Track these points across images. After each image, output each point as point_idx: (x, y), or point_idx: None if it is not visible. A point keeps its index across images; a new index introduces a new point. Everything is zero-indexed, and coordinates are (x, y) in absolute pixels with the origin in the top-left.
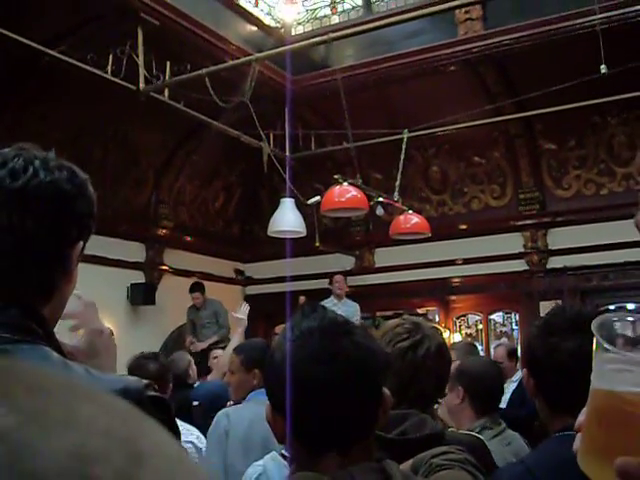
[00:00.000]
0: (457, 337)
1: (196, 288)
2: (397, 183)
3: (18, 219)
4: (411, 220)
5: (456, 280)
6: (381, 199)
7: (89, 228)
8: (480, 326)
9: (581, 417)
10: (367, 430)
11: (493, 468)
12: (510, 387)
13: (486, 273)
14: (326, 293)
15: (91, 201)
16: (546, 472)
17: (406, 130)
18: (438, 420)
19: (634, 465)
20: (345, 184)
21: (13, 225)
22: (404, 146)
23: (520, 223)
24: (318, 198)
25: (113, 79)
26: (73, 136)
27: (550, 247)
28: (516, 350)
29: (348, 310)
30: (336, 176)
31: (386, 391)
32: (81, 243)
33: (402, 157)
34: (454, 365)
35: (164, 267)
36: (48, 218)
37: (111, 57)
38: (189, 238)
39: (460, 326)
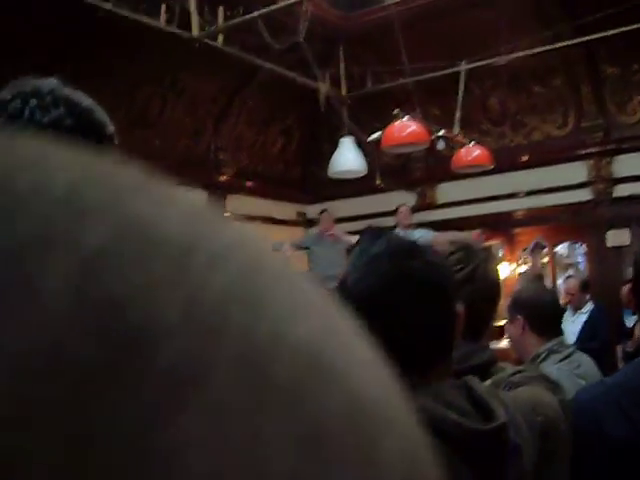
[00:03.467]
0: (523, 269)
1: None
2: (457, 116)
3: None
4: (473, 152)
5: (519, 213)
6: (441, 133)
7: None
8: (546, 258)
9: None
10: (446, 349)
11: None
12: (580, 319)
13: (550, 204)
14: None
15: (97, 127)
16: (628, 392)
17: (463, 62)
18: (489, 350)
19: None
20: (405, 119)
21: None
22: (462, 79)
23: (583, 152)
24: (378, 134)
25: (166, 28)
26: (130, 88)
27: (615, 175)
28: (587, 281)
29: (422, 236)
30: (395, 111)
31: (459, 306)
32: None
33: (460, 90)
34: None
35: (227, 214)
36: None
37: (163, 6)
38: (250, 183)
39: (526, 259)
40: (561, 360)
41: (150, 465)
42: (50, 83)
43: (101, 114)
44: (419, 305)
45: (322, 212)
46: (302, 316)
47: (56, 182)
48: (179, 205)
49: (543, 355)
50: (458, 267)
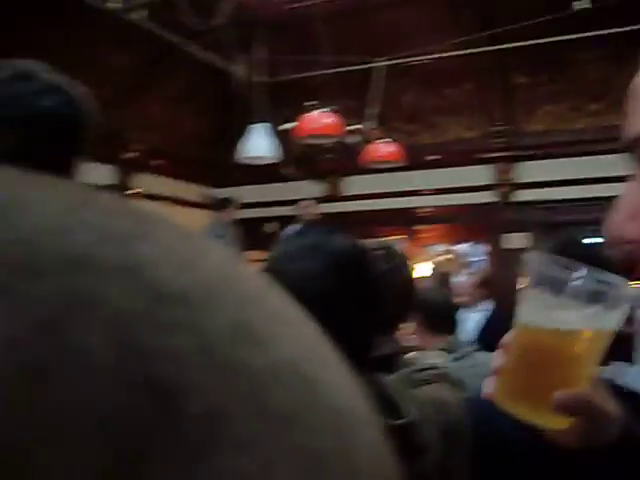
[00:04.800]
0: (423, 266)
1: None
2: (370, 111)
3: (12, 147)
4: (383, 148)
5: (424, 210)
6: (354, 127)
7: (86, 144)
8: (446, 256)
9: (498, 359)
10: (364, 341)
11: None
12: (475, 316)
13: (454, 204)
14: (296, 220)
15: (86, 115)
16: None
17: (382, 59)
18: (397, 342)
19: (571, 397)
20: (319, 111)
21: (13, 149)
22: (377, 75)
23: (490, 155)
24: (291, 124)
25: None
26: (40, 59)
27: (518, 180)
28: (485, 279)
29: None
30: (310, 102)
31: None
32: (82, 157)
33: (375, 86)
34: None
35: (134, 191)
36: (46, 142)
37: None
38: (158, 162)
39: (426, 256)
40: (457, 359)
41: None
42: (38, 67)
43: (88, 101)
44: (344, 293)
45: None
46: (278, 332)
47: (76, 243)
48: (175, 251)
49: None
50: (383, 261)
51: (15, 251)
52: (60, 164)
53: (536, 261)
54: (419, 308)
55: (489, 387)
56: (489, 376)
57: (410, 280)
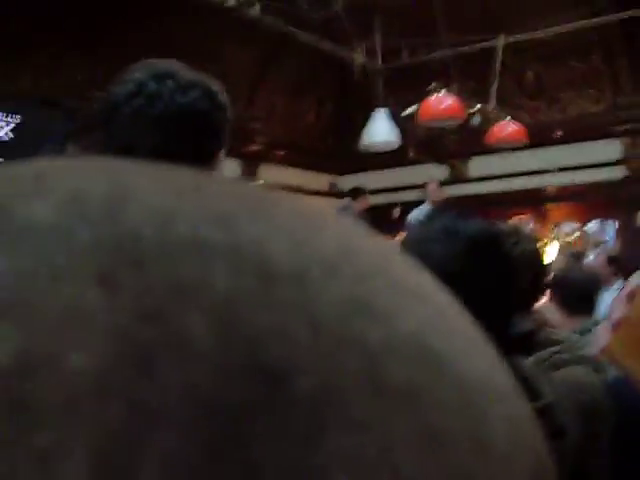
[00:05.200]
0: (554, 246)
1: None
2: (492, 91)
3: (163, 144)
4: (507, 128)
5: (551, 188)
6: (477, 107)
7: (225, 137)
8: (576, 235)
9: (619, 311)
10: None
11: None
12: (609, 295)
13: (583, 181)
14: (420, 204)
15: (225, 110)
16: None
17: (501, 35)
18: (534, 320)
19: None
20: (441, 93)
21: (158, 148)
22: (499, 52)
23: (619, 129)
24: (413, 108)
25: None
26: (163, 57)
27: None
28: (614, 257)
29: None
30: (431, 85)
31: None
32: (222, 152)
33: (497, 64)
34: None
35: (259, 183)
36: (190, 138)
37: None
38: (282, 153)
39: (556, 235)
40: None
41: None
42: (177, 65)
43: (224, 96)
44: (478, 276)
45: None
46: (403, 305)
47: (178, 229)
48: (288, 228)
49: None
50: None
51: (117, 240)
52: (204, 159)
53: None
54: (558, 287)
55: (604, 339)
56: (606, 328)
57: (541, 260)
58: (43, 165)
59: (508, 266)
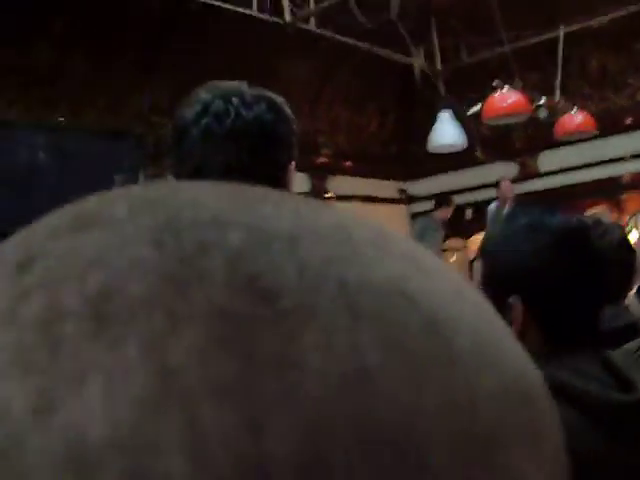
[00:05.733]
0: (633, 235)
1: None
2: (557, 82)
3: (235, 159)
4: (575, 119)
5: (626, 177)
6: (542, 101)
7: (294, 148)
8: None
9: None
10: (592, 316)
11: None
12: None
13: None
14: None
15: (291, 122)
16: None
17: (561, 25)
18: (631, 312)
19: None
20: (504, 90)
21: (231, 165)
22: (560, 43)
23: None
24: (478, 107)
25: (259, 15)
26: (224, 78)
27: None
28: None
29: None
30: (494, 82)
31: (515, 300)
32: (293, 164)
33: (559, 55)
34: None
35: (329, 195)
36: (260, 151)
37: None
38: (349, 163)
39: (635, 224)
40: None
41: (290, 363)
42: (240, 84)
43: (288, 109)
44: (566, 271)
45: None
46: (386, 262)
47: (204, 213)
48: (290, 206)
49: None
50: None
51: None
52: (277, 171)
53: None
54: None
55: None
56: None
57: (630, 249)
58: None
59: (596, 258)
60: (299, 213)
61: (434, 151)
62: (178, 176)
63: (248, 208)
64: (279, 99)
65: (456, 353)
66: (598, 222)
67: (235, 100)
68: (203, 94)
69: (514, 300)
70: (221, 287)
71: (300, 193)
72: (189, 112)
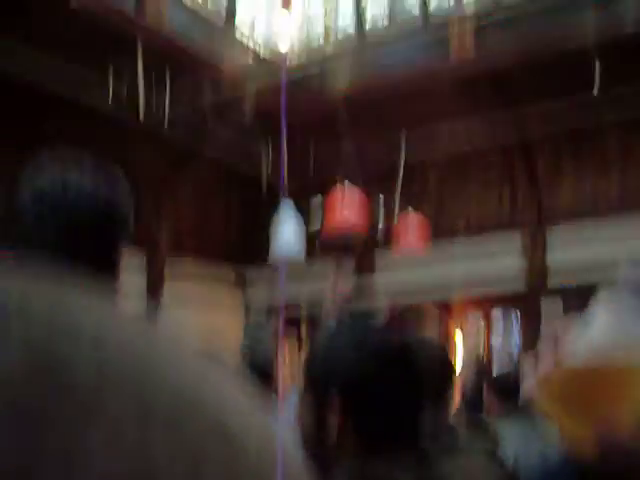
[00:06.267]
0: (459, 335)
1: None
2: (398, 184)
3: (67, 235)
4: (412, 235)
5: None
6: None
7: (130, 230)
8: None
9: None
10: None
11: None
12: None
13: (486, 274)
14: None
15: (130, 204)
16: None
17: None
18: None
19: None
20: (344, 206)
21: (62, 240)
22: (402, 161)
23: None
24: (317, 227)
25: (115, 113)
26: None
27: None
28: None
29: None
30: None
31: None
32: (124, 245)
33: (400, 165)
34: None
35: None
36: (96, 228)
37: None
38: (189, 262)
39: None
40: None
41: (75, 464)
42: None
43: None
44: (390, 383)
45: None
46: (179, 373)
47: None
48: (99, 307)
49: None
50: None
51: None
52: (111, 252)
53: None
54: (488, 382)
55: (530, 387)
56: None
57: (447, 364)
58: None
59: (416, 374)
60: (106, 316)
61: (274, 263)
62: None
63: (56, 302)
64: (121, 178)
65: (242, 465)
66: (420, 340)
67: (75, 181)
68: (43, 177)
69: (333, 402)
70: (17, 377)
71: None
72: (25, 194)
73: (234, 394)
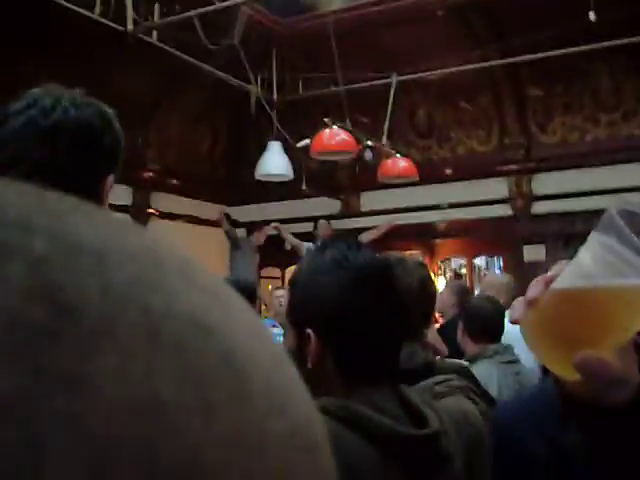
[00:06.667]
0: (441, 280)
1: None
2: (385, 127)
3: (50, 155)
4: (399, 164)
5: (441, 224)
6: (369, 143)
7: (117, 162)
8: (464, 270)
9: (537, 289)
10: (388, 355)
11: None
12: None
13: (471, 218)
14: (311, 237)
15: (118, 136)
16: (543, 406)
17: (394, 74)
18: (429, 349)
19: (594, 360)
20: (334, 127)
21: (46, 161)
22: (392, 90)
23: (505, 168)
24: (307, 141)
25: (101, 20)
26: (58, 79)
27: (534, 193)
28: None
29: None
30: (325, 119)
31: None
32: (111, 177)
33: (390, 102)
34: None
35: (151, 210)
36: (79, 153)
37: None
38: (176, 181)
39: (445, 269)
40: (503, 363)
41: (81, 385)
42: (74, 91)
43: (117, 123)
44: (367, 306)
45: (319, 220)
46: (190, 293)
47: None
48: (102, 220)
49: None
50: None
51: None
52: (91, 179)
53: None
54: (465, 315)
55: (519, 312)
56: (523, 302)
57: (431, 287)
58: None
59: (396, 297)
60: (110, 230)
61: (261, 179)
62: None
63: (57, 216)
64: (110, 111)
65: (249, 392)
66: (401, 260)
67: (65, 101)
68: (36, 90)
69: (311, 332)
70: (18, 294)
71: (121, 206)
72: (16, 105)
73: (245, 317)
